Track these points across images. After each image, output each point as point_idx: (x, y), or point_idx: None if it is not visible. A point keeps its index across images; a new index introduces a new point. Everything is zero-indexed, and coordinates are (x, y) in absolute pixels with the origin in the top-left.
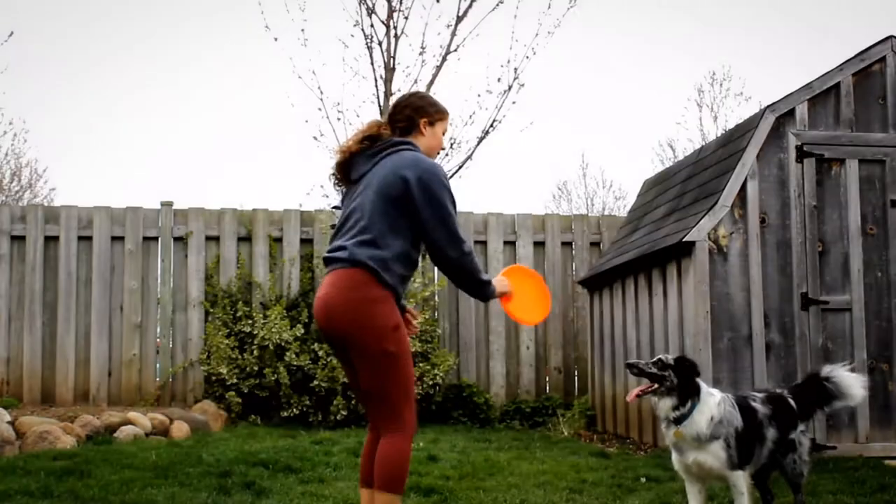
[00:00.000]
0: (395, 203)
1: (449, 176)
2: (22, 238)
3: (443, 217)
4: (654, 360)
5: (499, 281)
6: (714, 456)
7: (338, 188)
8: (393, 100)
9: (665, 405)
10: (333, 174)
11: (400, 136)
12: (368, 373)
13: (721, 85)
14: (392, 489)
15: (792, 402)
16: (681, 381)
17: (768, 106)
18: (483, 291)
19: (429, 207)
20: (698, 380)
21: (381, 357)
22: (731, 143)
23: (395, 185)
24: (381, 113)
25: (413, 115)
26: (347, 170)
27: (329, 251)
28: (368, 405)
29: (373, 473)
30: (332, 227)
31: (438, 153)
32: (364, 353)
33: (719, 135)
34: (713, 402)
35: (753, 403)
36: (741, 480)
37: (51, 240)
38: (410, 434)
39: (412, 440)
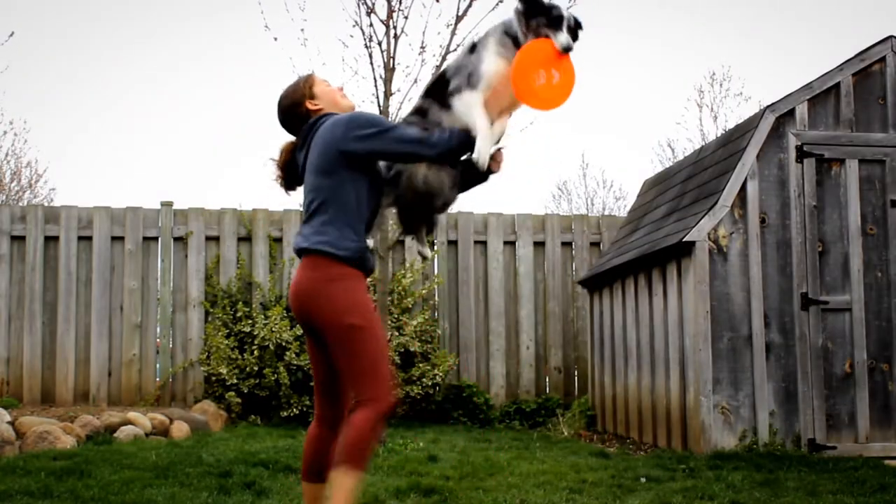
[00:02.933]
0: (333, 172)
1: None
2: (22, 238)
3: (390, 138)
4: None
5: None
6: None
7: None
8: (279, 113)
9: None
10: (281, 184)
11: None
12: (339, 350)
13: (721, 85)
14: (349, 461)
15: None
16: None
17: (768, 106)
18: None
19: (375, 143)
20: None
21: (347, 332)
22: (731, 143)
23: (328, 155)
24: (381, 112)
25: (296, 109)
26: (292, 174)
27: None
28: (334, 392)
29: (319, 462)
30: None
31: (342, 95)
32: (331, 331)
33: (719, 135)
34: None
35: None
36: None
37: (51, 240)
38: (382, 409)
39: (384, 418)
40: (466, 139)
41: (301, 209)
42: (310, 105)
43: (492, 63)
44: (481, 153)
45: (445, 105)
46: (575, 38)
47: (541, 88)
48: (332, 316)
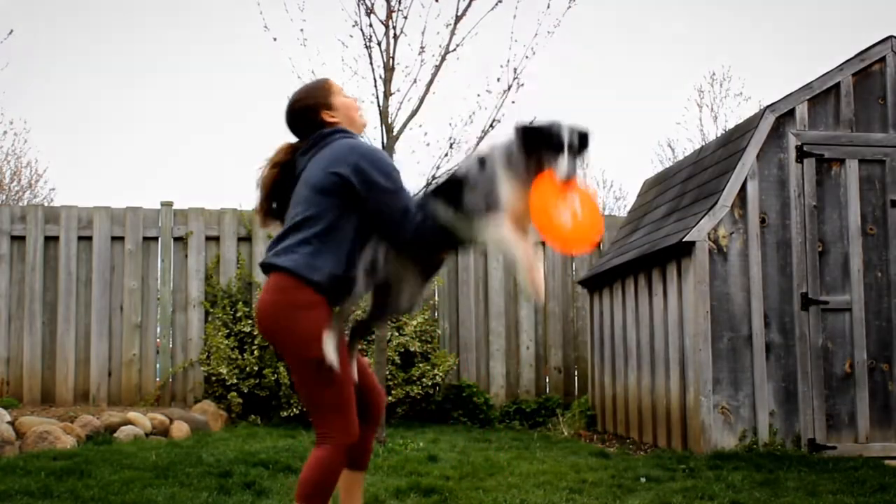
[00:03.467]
0: (330, 193)
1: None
2: (22, 238)
3: (394, 201)
4: None
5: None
6: None
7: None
8: (286, 114)
9: None
10: (262, 204)
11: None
12: (300, 381)
13: (721, 85)
14: (304, 499)
15: None
16: None
17: (768, 106)
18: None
19: (380, 196)
20: None
21: (310, 366)
22: (731, 143)
23: (333, 176)
24: (380, 113)
25: (309, 114)
26: (287, 178)
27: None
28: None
29: (353, 456)
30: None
31: (359, 112)
32: (294, 362)
33: (719, 135)
34: None
35: None
36: None
37: (51, 240)
38: (340, 447)
39: (343, 454)
40: (442, 238)
41: None
42: (326, 116)
43: (507, 191)
44: (535, 286)
45: (462, 212)
46: (583, 147)
47: (571, 232)
48: (297, 347)
